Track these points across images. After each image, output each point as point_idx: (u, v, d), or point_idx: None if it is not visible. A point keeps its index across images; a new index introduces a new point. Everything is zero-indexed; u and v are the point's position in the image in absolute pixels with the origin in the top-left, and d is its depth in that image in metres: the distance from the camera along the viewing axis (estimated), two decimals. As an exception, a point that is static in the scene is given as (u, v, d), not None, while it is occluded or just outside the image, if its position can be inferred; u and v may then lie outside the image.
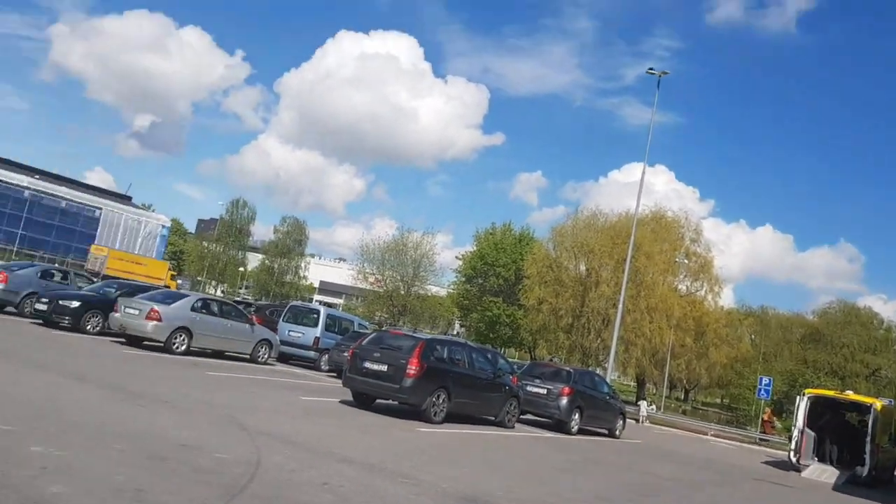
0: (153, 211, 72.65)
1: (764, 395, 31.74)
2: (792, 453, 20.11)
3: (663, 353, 46.59)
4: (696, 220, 56.90)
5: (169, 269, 56.82)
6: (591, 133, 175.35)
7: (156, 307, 17.24)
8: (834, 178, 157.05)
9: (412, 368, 13.50)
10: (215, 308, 19.04)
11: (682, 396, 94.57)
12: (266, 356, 20.08)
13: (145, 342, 17.48)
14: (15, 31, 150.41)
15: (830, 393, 22.29)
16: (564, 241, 46.17)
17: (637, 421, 31.70)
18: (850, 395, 21.20)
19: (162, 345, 17.27)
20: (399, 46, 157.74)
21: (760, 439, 31.39)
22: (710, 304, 56.15)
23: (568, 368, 18.77)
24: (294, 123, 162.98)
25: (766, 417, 37.54)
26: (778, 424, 37.11)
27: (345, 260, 64.46)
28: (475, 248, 61.35)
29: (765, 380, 32.17)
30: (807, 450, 20.28)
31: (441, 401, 13.93)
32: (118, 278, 30.29)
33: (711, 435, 31.03)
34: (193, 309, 18.08)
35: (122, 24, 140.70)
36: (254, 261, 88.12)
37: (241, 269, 71.19)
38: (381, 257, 63.82)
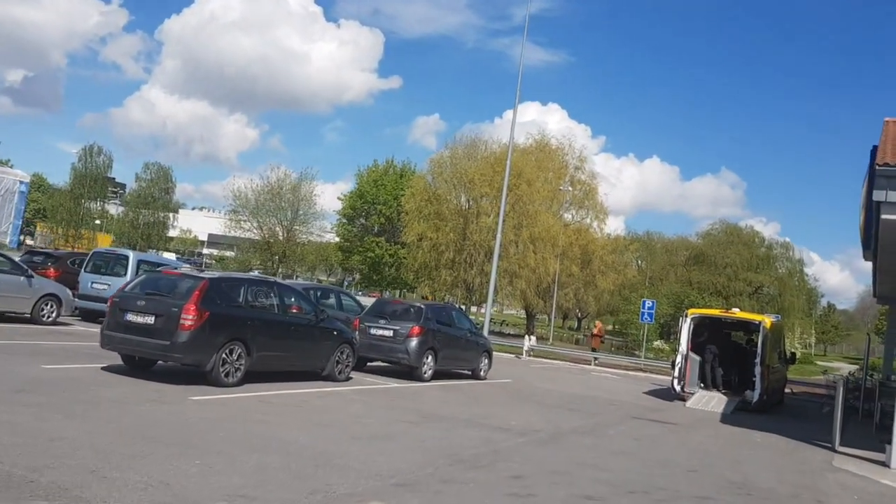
0: (11, 166, 65.13)
1: (647, 318, 30.19)
2: (675, 381, 18.13)
3: (548, 284, 44.88)
4: (579, 148, 55.35)
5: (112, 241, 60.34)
6: (484, 74, 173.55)
7: None
8: (715, 109, 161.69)
9: (188, 318, 10.17)
10: (-32, 258, 14.97)
11: (576, 325, 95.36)
12: (53, 314, 16.21)
13: None
14: None
15: (715, 312, 20.46)
16: (443, 173, 43.19)
17: (519, 357, 29.61)
18: (737, 312, 19.35)
19: None
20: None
21: (593, 358, 30.20)
22: (595, 231, 55.04)
23: (419, 304, 15.86)
24: (179, 72, 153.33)
25: (595, 331, 36.50)
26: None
27: (237, 212, 59.50)
28: (356, 186, 57.79)
29: (647, 303, 30.54)
30: (691, 376, 18.34)
31: (236, 357, 10.71)
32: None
33: (595, 364, 29.28)
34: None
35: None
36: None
37: (98, 221, 64.57)
38: (256, 202, 59.39)
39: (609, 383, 21.99)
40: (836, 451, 12.41)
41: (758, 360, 17.44)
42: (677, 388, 18.08)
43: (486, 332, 33.92)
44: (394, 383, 14.00)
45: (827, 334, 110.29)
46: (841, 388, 13.22)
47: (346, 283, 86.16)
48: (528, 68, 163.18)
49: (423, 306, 15.64)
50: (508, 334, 50.48)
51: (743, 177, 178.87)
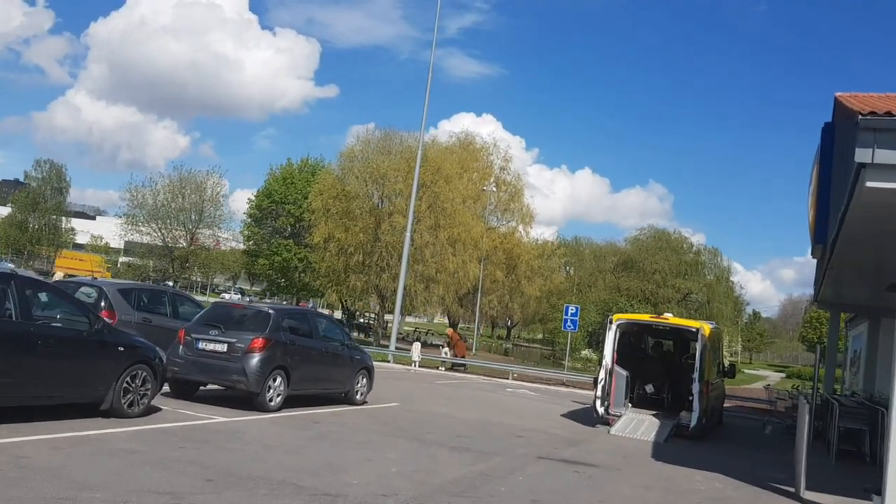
0: None
1: (571, 326, 27.14)
2: (598, 401, 14.93)
3: (469, 290, 41.66)
4: (505, 147, 52.70)
5: (103, 262, 61.48)
6: (419, 84, 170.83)
7: None
8: (644, 123, 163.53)
9: None
10: None
11: (505, 334, 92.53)
12: None
13: None
14: None
15: (645, 317, 17.37)
16: (354, 168, 39.44)
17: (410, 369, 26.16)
18: (671, 318, 16.27)
19: None
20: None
21: (455, 365, 26.94)
22: (521, 234, 52.40)
23: (266, 309, 12.12)
24: (105, 77, 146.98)
25: (450, 338, 31.67)
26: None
27: (133, 215, 54.37)
28: (264, 185, 53.46)
29: (571, 309, 27.48)
30: (617, 394, 15.19)
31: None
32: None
33: (514, 378, 26.05)
34: None
35: None
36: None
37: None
38: (155, 202, 54.50)
39: (523, 403, 18.72)
40: (802, 501, 9.31)
41: (696, 375, 14.38)
42: (600, 409, 14.90)
43: (393, 343, 30.43)
44: (219, 417, 10.25)
45: (752, 342, 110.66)
46: (806, 416, 10.13)
47: (267, 292, 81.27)
48: (461, 80, 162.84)
49: (271, 311, 11.92)
50: (433, 344, 47.06)
51: (671, 189, 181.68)
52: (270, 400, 11.26)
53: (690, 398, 14.48)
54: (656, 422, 14.69)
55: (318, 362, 12.43)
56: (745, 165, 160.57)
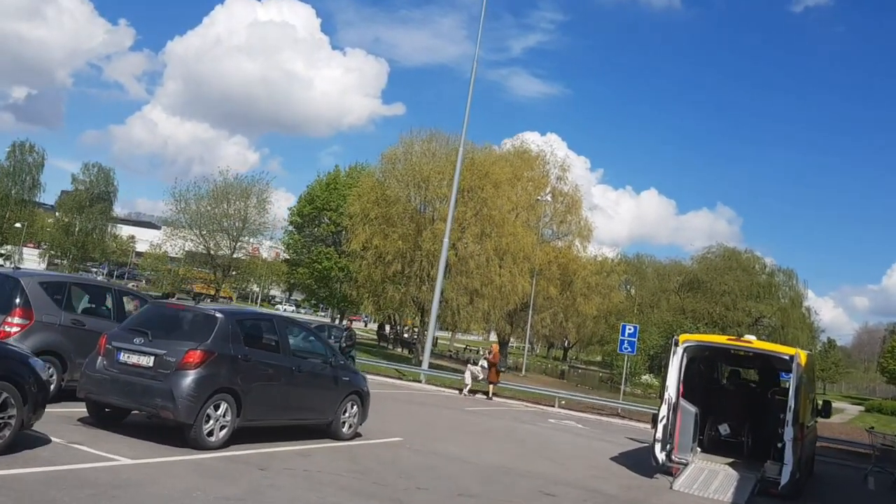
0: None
1: (628, 348, 23.60)
2: (658, 445, 11.60)
3: (518, 305, 38.37)
4: (562, 157, 49.56)
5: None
6: (483, 104, 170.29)
7: None
8: (712, 144, 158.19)
9: None
10: None
11: (561, 356, 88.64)
12: None
13: None
14: None
15: (720, 339, 13.91)
16: (395, 170, 36.76)
17: (460, 392, 23.06)
18: (754, 341, 12.77)
19: None
20: (294, 15, 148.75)
21: (492, 393, 22.57)
22: (578, 249, 48.93)
23: (212, 312, 9.18)
24: (181, 93, 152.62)
25: (493, 353, 23.82)
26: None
27: (175, 221, 53.12)
28: (307, 191, 51.40)
29: (628, 328, 23.91)
30: (683, 436, 11.86)
31: None
32: None
33: (561, 406, 22.70)
34: None
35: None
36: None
37: (18, 224, 57.21)
38: (197, 208, 52.94)
39: (565, 439, 15.41)
40: None
41: (789, 415, 10.96)
42: (661, 455, 11.57)
43: (426, 361, 27.41)
44: (122, 459, 7.35)
45: (827, 371, 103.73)
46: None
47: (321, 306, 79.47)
48: (526, 99, 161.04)
49: (218, 315, 9.03)
50: (482, 366, 43.78)
51: (739, 212, 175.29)
52: (209, 434, 8.37)
53: (780, 444, 11.09)
54: (734, 474, 11.32)
55: (287, 384, 9.47)
56: (817, 191, 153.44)
